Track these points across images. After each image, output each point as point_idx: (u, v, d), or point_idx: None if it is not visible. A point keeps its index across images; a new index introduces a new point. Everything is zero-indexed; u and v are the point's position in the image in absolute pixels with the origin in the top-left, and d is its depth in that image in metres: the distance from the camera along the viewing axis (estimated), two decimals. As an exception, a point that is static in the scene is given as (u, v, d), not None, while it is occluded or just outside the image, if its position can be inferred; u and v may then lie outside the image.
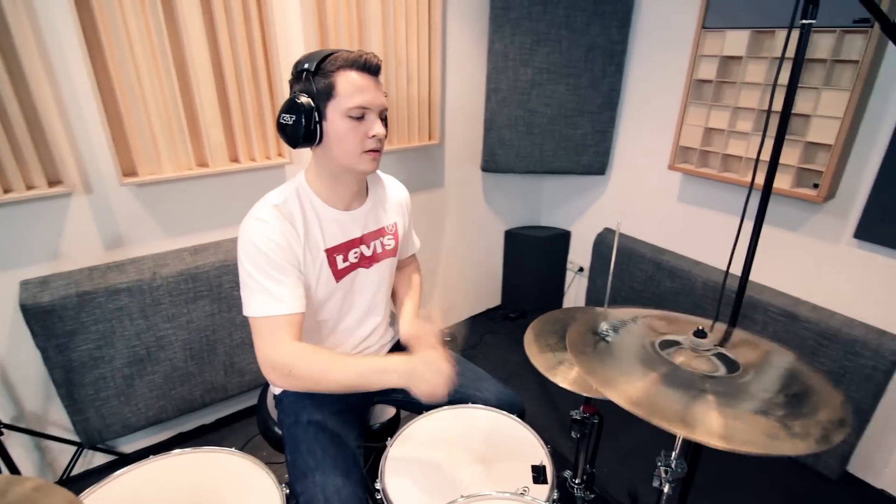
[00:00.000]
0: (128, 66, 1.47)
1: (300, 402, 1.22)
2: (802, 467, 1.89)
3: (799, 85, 1.68)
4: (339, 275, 1.16)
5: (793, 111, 1.70)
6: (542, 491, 1.03)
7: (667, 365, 0.81)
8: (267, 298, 1.02)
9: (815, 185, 1.71)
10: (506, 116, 2.31)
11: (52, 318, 1.53)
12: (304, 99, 1.00)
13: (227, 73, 1.64)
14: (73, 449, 1.76)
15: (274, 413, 1.35)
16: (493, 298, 2.97)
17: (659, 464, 0.92)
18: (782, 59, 1.12)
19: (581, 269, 2.78)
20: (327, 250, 1.13)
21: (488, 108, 2.31)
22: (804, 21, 0.92)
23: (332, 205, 1.13)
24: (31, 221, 1.52)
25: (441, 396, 0.91)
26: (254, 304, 1.03)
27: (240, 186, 1.84)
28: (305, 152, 1.99)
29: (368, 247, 1.21)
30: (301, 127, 1.01)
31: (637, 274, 2.33)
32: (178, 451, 1.09)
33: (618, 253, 2.42)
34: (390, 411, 1.41)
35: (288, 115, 1.01)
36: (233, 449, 1.11)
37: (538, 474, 1.07)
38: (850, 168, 1.68)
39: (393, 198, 1.28)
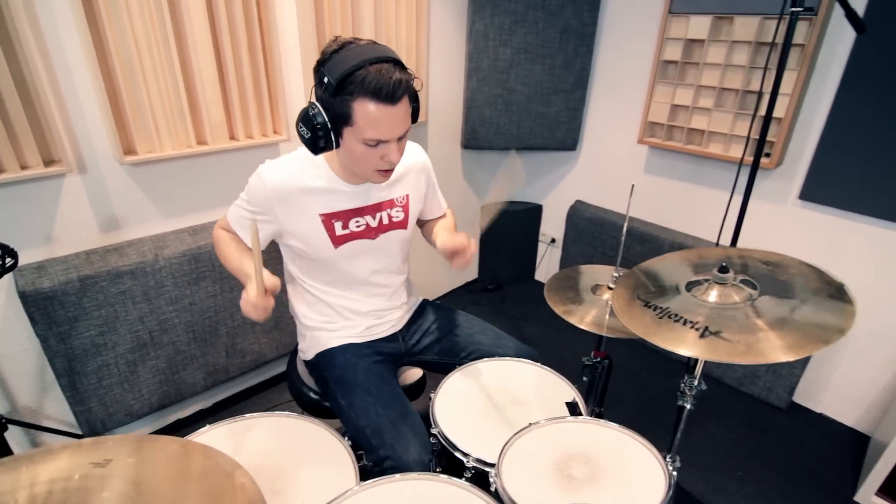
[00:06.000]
0: (126, 38, 1.42)
1: (340, 356, 1.29)
2: (757, 400, 2.18)
3: (753, 66, 1.92)
4: (337, 241, 1.21)
5: (748, 89, 1.94)
6: (579, 423, 1.17)
7: (706, 307, 0.97)
8: (234, 210, 1.23)
9: (767, 154, 1.95)
10: (486, 95, 2.41)
11: (53, 305, 1.47)
12: (320, 119, 1.01)
13: (225, 48, 1.61)
14: (73, 441, 1.69)
15: (308, 380, 1.40)
16: (470, 272, 3.10)
17: (683, 384, 1.08)
18: (773, 43, 1.29)
19: (553, 241, 2.96)
20: (323, 215, 1.18)
21: (469, 86, 2.39)
22: (794, 9, 1.08)
23: (341, 178, 1.18)
24: (23, 204, 1.44)
25: (253, 317, 1.03)
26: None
27: (237, 164, 1.82)
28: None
29: (374, 217, 1.25)
30: (318, 140, 1.04)
31: (609, 241, 2.53)
32: (248, 416, 1.13)
33: (590, 222, 2.61)
34: (417, 373, 1.49)
35: (305, 129, 1.03)
36: (290, 412, 1.16)
37: (573, 409, 1.21)
38: (795, 138, 1.94)
39: (408, 168, 1.30)
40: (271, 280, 1.06)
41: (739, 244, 2.16)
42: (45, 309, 1.46)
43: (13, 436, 1.55)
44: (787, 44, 1.13)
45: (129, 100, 1.48)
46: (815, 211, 1.96)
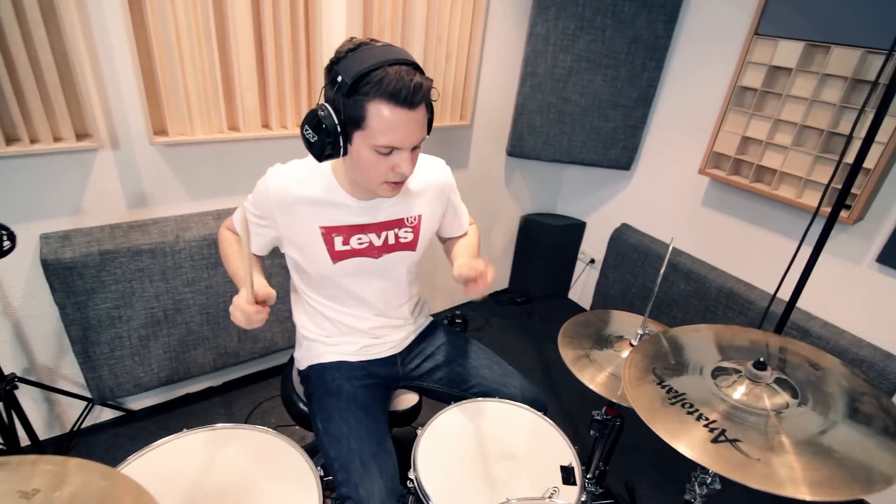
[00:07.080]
0: (167, 22, 1.40)
1: (329, 374, 1.23)
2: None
3: (846, 105, 1.68)
4: (335, 256, 1.14)
5: (835, 130, 1.70)
6: (571, 492, 1.06)
7: (727, 404, 0.82)
8: (239, 211, 1.16)
9: (847, 207, 1.71)
10: (538, 102, 2.26)
11: (72, 276, 1.50)
12: (330, 121, 0.93)
13: (267, 37, 1.57)
14: (83, 404, 1.76)
15: (299, 388, 1.36)
16: (500, 281, 2.98)
17: (694, 479, 0.95)
18: (875, 82, 1.09)
19: (592, 261, 2.79)
20: (323, 227, 1.11)
21: (521, 92, 2.25)
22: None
23: (348, 191, 1.11)
24: (55, 174, 1.46)
25: (241, 324, 0.97)
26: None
27: (268, 153, 1.79)
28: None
29: (379, 236, 1.16)
30: (325, 146, 0.95)
31: (651, 273, 2.34)
32: (219, 425, 1.10)
33: (634, 249, 2.43)
34: (413, 398, 1.42)
35: (311, 132, 0.95)
36: (266, 428, 1.12)
37: (567, 476, 1.10)
38: (882, 193, 1.68)
39: (426, 185, 1.19)
40: (265, 290, 1.01)
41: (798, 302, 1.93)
42: (65, 278, 1.49)
43: (27, 392, 1.62)
44: (893, 86, 0.94)
45: (165, 82, 1.47)
46: (894, 277, 1.71)
